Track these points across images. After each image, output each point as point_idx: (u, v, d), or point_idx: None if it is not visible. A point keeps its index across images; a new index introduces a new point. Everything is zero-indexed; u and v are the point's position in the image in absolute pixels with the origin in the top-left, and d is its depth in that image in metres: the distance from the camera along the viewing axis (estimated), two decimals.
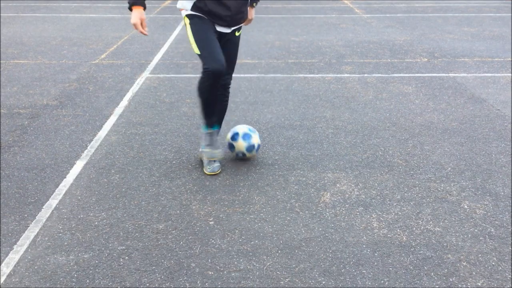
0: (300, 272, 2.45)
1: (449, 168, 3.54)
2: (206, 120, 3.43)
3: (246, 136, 3.53)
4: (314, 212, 2.98)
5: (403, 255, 2.58)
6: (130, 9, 3.09)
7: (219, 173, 3.46)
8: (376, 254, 2.58)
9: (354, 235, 2.75)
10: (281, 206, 3.05)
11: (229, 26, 3.25)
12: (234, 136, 3.55)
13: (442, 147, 3.90)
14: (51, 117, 4.55)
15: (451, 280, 2.39)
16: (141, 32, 3.12)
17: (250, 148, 3.55)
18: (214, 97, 3.30)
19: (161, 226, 2.84)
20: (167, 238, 2.72)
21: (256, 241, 2.70)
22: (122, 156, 3.75)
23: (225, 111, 3.60)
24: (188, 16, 3.21)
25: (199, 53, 3.18)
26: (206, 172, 3.43)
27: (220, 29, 3.24)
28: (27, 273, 2.44)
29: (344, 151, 3.84)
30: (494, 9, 11.52)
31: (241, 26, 3.40)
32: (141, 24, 3.10)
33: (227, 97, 3.52)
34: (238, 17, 3.26)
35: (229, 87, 3.51)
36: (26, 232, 2.78)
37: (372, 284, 2.36)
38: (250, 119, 4.51)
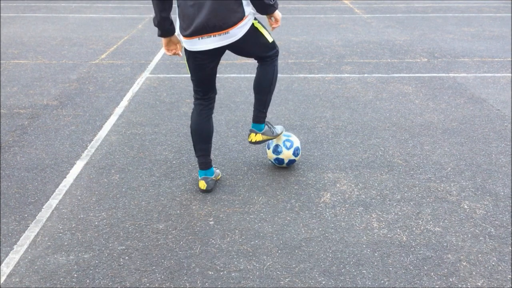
0: (300, 272, 2.45)
1: (449, 168, 3.54)
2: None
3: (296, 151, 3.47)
4: (314, 212, 2.98)
5: (403, 255, 2.58)
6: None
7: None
8: (376, 254, 2.58)
9: (354, 235, 2.75)
10: (281, 206, 3.05)
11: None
12: (295, 152, 3.45)
13: (442, 147, 3.90)
14: (51, 117, 4.55)
15: (451, 280, 2.39)
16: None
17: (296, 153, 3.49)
18: None
19: (161, 226, 2.84)
20: (167, 238, 2.72)
21: (256, 241, 2.70)
22: (122, 156, 3.75)
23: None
24: None
25: (270, 40, 3.10)
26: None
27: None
28: (27, 273, 2.44)
29: (344, 151, 3.84)
30: (494, 9, 11.52)
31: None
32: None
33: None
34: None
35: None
36: (26, 232, 2.78)
37: (372, 284, 2.36)
38: (250, 119, 4.50)
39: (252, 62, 6.47)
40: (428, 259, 2.55)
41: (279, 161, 3.47)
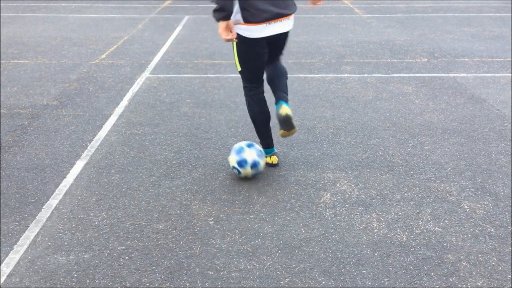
0: (300, 272, 2.45)
1: (449, 168, 3.54)
2: None
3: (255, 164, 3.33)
4: (314, 212, 2.98)
5: (403, 255, 2.58)
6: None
7: (219, 173, 3.47)
8: (376, 254, 2.58)
9: (354, 235, 2.75)
10: (281, 206, 3.05)
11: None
12: (242, 163, 3.30)
13: (442, 147, 3.90)
14: (51, 117, 4.55)
15: (451, 280, 2.39)
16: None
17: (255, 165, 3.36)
18: None
19: (161, 226, 2.84)
20: (167, 238, 2.72)
21: (256, 241, 2.70)
22: (122, 156, 3.75)
23: None
24: None
25: None
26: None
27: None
28: (27, 273, 2.44)
29: (344, 151, 3.84)
30: (494, 9, 11.52)
31: None
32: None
33: None
34: None
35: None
36: (26, 232, 2.78)
37: (372, 284, 2.36)
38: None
39: None
40: (428, 259, 2.55)
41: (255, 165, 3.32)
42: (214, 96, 5.11)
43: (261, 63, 3.35)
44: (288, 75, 5.99)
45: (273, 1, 3.13)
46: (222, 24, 3.07)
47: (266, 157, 3.56)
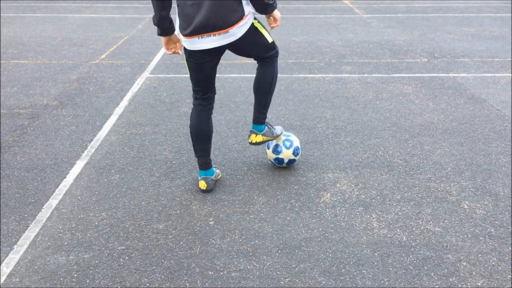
0: (300, 272, 2.45)
1: (449, 168, 3.54)
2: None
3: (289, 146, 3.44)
4: (314, 212, 2.98)
5: (403, 255, 2.58)
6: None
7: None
8: (376, 254, 2.59)
9: (354, 235, 2.75)
10: (281, 206, 3.05)
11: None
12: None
13: (442, 147, 3.90)
14: (51, 117, 4.55)
15: (451, 280, 2.39)
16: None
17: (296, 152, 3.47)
18: None
19: (161, 226, 2.84)
20: (167, 238, 2.72)
21: (256, 241, 2.70)
22: (122, 156, 3.75)
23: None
24: None
25: (270, 41, 3.08)
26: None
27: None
28: (27, 273, 2.44)
29: (344, 151, 3.84)
30: (494, 9, 11.52)
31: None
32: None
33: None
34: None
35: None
36: (26, 232, 2.78)
37: (372, 284, 2.36)
38: (250, 119, 4.50)
39: (253, 62, 6.47)
40: (428, 259, 2.55)
41: (279, 161, 3.47)
42: None
43: (202, 75, 3.05)
44: (288, 75, 6.01)
45: (205, 13, 2.78)
46: (163, 39, 2.94)
47: (200, 180, 3.21)
